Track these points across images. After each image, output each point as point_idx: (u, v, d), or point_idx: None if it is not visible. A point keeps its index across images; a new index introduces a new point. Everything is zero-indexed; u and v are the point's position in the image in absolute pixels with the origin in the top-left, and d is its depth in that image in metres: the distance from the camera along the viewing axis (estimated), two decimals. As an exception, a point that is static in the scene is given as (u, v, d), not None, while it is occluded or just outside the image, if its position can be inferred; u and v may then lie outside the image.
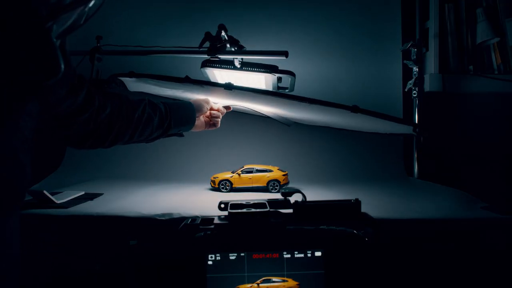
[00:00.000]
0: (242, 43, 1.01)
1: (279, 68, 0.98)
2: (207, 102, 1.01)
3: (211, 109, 1.04)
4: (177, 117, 0.90)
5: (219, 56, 1.00)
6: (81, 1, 0.34)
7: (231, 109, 1.10)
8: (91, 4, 0.35)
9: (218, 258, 0.65)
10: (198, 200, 1.06)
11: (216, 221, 0.70)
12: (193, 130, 0.99)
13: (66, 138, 0.75)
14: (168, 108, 0.89)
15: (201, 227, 0.68)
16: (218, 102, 1.07)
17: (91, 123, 0.73)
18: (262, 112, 1.17)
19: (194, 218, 0.72)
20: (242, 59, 1.00)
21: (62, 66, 0.34)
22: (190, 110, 0.95)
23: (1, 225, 0.48)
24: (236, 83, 0.90)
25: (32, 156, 0.51)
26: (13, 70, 0.34)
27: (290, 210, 0.72)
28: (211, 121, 1.04)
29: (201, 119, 1.00)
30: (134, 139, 0.84)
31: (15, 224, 0.52)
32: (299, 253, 0.66)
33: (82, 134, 0.74)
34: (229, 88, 0.89)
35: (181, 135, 0.97)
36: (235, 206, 0.72)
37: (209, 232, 0.67)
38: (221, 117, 1.07)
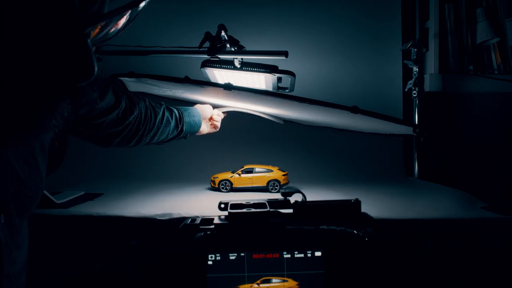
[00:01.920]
0: (242, 43, 1.01)
1: (279, 68, 0.98)
2: (210, 107, 1.07)
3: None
4: (187, 122, 0.96)
5: (219, 56, 1.00)
6: (118, 12, 0.36)
7: (227, 114, 1.15)
8: (127, 14, 0.38)
9: (218, 258, 0.65)
10: (198, 200, 1.06)
11: (216, 221, 0.70)
12: (197, 134, 1.04)
13: (94, 137, 0.79)
14: (181, 113, 0.95)
15: (201, 227, 0.68)
16: (217, 103, 1.09)
17: (118, 123, 0.76)
18: (254, 113, 1.18)
19: (194, 218, 0.72)
20: (242, 59, 1.00)
21: (96, 69, 0.37)
22: (197, 115, 1.00)
23: (17, 229, 0.50)
24: (236, 83, 0.90)
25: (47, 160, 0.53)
26: (51, 70, 0.36)
27: (290, 210, 0.71)
28: (212, 125, 1.09)
29: (205, 123, 1.05)
30: (153, 141, 0.90)
31: (26, 228, 0.53)
32: (299, 253, 0.66)
33: (109, 134, 0.77)
34: (228, 88, 0.89)
35: (185, 138, 1.01)
36: (235, 206, 0.72)
37: (209, 232, 0.67)
38: (220, 120, 1.12)
